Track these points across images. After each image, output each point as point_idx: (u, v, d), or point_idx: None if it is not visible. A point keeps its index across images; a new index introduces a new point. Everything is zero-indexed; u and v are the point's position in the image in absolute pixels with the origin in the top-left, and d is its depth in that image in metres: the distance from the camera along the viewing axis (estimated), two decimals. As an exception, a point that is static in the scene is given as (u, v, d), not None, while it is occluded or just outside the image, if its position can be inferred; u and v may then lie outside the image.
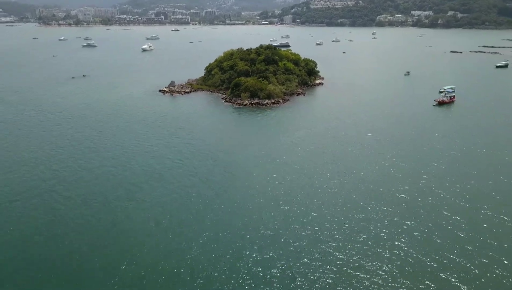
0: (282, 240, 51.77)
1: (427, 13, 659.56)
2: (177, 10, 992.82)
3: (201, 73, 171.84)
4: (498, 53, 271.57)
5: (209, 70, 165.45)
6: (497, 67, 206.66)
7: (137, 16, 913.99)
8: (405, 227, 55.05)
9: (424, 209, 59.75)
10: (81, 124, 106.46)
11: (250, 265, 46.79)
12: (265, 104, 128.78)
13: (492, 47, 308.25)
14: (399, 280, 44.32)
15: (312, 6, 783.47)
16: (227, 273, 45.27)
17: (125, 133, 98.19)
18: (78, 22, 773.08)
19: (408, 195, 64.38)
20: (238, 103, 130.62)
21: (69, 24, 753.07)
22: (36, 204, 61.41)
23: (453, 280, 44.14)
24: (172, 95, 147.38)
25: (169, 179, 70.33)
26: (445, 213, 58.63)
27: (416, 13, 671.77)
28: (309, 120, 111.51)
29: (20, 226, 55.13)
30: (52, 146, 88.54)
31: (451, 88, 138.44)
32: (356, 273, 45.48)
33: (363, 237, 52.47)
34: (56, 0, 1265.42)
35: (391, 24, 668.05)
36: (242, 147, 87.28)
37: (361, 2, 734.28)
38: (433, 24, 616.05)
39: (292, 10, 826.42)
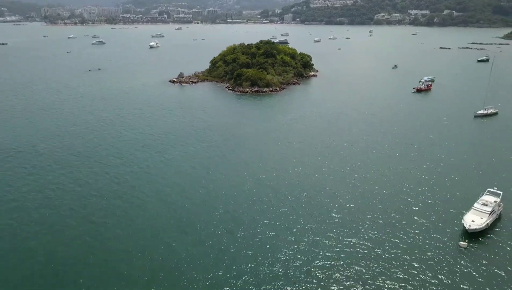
0: (273, 181, 69.51)
1: (423, 11, 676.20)
2: (179, 9, 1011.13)
3: (206, 66, 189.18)
4: (484, 49, 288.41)
5: (213, 63, 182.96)
6: (479, 61, 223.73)
7: (140, 15, 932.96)
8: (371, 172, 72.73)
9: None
10: (103, 106, 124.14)
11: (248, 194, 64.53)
12: (264, 92, 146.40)
13: (480, 44, 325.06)
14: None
15: (311, 5, 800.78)
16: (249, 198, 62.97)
17: (142, 112, 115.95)
18: (83, 21, 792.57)
19: (379, 150, 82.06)
20: (240, 91, 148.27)
21: (75, 23, 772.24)
22: (84, 157, 79.20)
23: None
24: (181, 84, 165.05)
25: (184, 141, 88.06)
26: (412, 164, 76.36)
27: (413, 11, 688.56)
28: (302, 104, 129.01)
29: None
30: (85, 120, 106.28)
31: (429, 78, 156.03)
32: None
33: (350, 186, 70.18)
34: (60, 0, 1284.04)
35: (388, 22, 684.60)
36: (243, 124, 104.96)
37: (359, 1, 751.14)
38: (429, 23, 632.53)
39: (292, 9, 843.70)
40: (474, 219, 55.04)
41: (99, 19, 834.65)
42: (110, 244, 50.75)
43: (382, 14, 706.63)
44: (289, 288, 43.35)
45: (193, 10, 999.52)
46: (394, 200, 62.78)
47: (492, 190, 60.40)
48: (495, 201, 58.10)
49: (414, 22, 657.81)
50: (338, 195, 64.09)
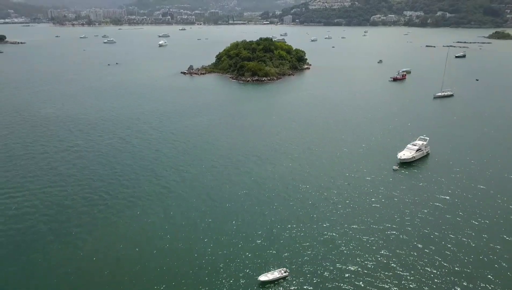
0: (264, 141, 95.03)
1: (418, 13, 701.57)
2: (182, 10, 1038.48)
3: (211, 61, 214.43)
4: (466, 47, 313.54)
5: (219, 57, 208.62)
6: (456, 57, 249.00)
7: (145, 17, 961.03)
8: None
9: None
10: (125, 93, 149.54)
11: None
12: (263, 81, 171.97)
13: (465, 42, 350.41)
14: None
15: (310, 7, 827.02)
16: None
17: (159, 96, 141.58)
18: (90, 22, 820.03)
19: (351, 126, 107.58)
20: (242, 80, 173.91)
21: (82, 24, 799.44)
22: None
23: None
24: (191, 75, 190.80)
25: (200, 113, 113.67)
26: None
27: (408, 13, 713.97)
28: (294, 90, 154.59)
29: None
30: (112, 104, 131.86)
31: (405, 70, 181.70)
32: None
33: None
34: (64, 2, 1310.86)
35: (384, 23, 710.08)
36: (246, 103, 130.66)
37: (356, 3, 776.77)
38: (423, 24, 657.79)
39: (292, 11, 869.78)
40: (405, 154, 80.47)
41: (105, 20, 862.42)
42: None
43: (378, 15, 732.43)
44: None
45: (195, 11, 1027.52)
46: (357, 146, 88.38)
47: (422, 137, 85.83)
48: (422, 143, 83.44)
49: (409, 23, 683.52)
50: (311, 146, 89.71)
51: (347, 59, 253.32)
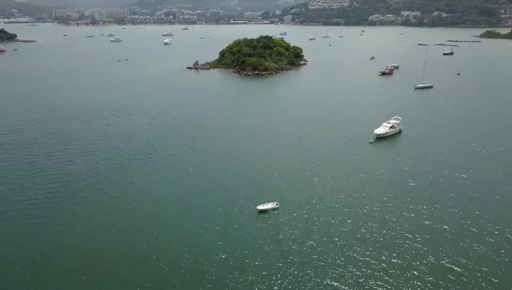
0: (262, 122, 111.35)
1: (415, 13, 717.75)
2: (184, 10, 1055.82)
3: (215, 57, 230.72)
4: (456, 45, 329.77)
5: (222, 53, 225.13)
6: (444, 54, 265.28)
7: (147, 16, 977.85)
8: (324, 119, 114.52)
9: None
10: (139, 85, 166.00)
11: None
12: (263, 74, 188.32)
13: (456, 41, 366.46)
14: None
15: (310, 7, 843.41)
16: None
17: (170, 88, 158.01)
18: (94, 22, 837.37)
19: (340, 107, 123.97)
20: (243, 73, 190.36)
21: (87, 24, 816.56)
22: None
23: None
24: (197, 70, 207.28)
25: (206, 102, 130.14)
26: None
27: (405, 13, 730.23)
28: (291, 83, 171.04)
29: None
30: (130, 94, 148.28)
31: (394, 65, 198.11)
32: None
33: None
34: (66, 1, 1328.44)
35: (382, 23, 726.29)
36: (247, 94, 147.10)
37: (355, 3, 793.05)
38: (419, 23, 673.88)
39: (292, 11, 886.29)
40: (380, 130, 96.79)
41: (109, 20, 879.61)
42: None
43: (376, 15, 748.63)
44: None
45: (197, 11, 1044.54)
46: (342, 124, 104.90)
47: (396, 117, 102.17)
48: (395, 122, 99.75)
49: (406, 22, 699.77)
50: (302, 122, 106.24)
51: (342, 56, 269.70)
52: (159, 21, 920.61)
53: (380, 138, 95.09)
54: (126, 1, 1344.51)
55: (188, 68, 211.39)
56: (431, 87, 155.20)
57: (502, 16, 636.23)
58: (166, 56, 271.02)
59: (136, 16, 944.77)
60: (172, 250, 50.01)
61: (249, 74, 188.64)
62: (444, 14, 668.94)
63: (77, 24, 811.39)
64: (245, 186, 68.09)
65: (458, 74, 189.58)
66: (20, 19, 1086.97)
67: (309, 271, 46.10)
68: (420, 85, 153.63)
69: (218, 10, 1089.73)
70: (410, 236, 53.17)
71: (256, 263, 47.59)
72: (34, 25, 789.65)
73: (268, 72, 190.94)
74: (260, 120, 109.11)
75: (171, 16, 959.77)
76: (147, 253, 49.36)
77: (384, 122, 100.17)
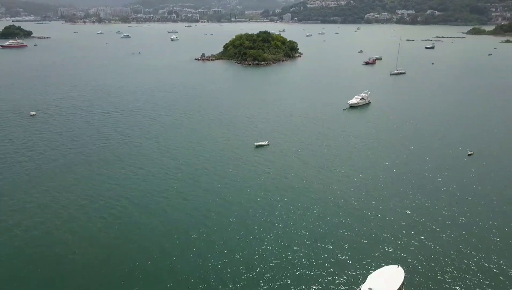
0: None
1: (409, 11, 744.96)
2: (186, 9, 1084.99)
3: (219, 50, 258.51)
4: (441, 41, 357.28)
5: (226, 47, 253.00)
6: (426, 48, 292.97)
7: (151, 15, 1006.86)
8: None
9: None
10: (155, 73, 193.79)
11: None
12: (262, 64, 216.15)
13: (442, 37, 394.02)
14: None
15: (308, 5, 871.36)
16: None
17: (181, 75, 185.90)
18: (100, 20, 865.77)
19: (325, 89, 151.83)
20: (245, 63, 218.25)
21: (93, 22, 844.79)
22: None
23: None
24: (203, 61, 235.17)
25: (213, 84, 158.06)
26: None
27: (400, 11, 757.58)
28: (287, 71, 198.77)
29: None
30: (148, 79, 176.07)
31: (376, 57, 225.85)
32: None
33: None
34: (70, 0, 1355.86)
35: (377, 21, 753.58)
36: (247, 79, 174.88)
37: (352, 1, 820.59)
38: (413, 21, 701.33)
39: (291, 9, 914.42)
40: (352, 100, 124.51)
41: (114, 18, 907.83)
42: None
43: (372, 13, 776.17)
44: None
45: (199, 10, 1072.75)
46: (324, 99, 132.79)
47: (366, 91, 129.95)
48: (365, 95, 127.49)
49: (400, 20, 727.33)
50: (293, 98, 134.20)
51: (334, 50, 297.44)
52: (163, 20, 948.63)
53: (352, 107, 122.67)
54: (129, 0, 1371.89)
55: (196, 59, 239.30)
56: (404, 73, 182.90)
57: (493, 14, 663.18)
58: (174, 50, 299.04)
59: (140, 15, 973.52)
60: (191, 168, 77.81)
61: (250, 64, 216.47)
62: (437, 12, 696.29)
63: (84, 22, 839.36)
64: (246, 130, 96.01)
65: (432, 63, 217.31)
66: (27, 18, 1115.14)
67: (285, 179, 73.94)
68: (395, 72, 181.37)
69: (219, 9, 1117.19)
70: (356, 168, 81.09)
71: (250, 175, 75.51)
72: (42, 23, 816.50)
73: (266, 62, 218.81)
74: (258, 94, 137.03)
75: (174, 15, 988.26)
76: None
77: (356, 95, 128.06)
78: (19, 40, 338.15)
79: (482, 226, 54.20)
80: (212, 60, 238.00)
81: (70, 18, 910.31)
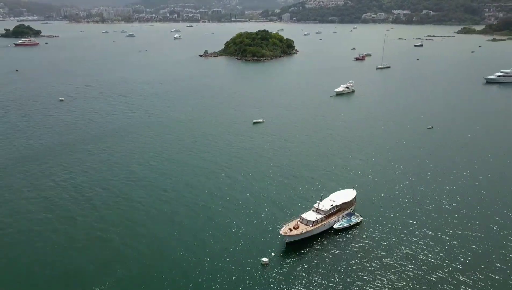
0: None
1: (405, 11, 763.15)
2: (187, 9, 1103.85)
3: (220, 48, 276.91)
4: (431, 39, 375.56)
5: (227, 44, 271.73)
6: (415, 46, 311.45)
7: (153, 15, 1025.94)
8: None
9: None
10: (163, 67, 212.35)
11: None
12: (260, 60, 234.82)
13: (433, 36, 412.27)
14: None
15: (307, 6, 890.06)
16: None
17: (187, 69, 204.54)
18: (103, 20, 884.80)
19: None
20: (245, 59, 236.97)
21: (96, 22, 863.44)
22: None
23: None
24: (206, 57, 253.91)
25: (215, 77, 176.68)
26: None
27: (396, 11, 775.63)
28: (283, 66, 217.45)
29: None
30: (158, 72, 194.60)
31: (366, 53, 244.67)
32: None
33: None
34: (73, 0, 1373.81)
35: (374, 21, 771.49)
36: (247, 72, 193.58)
37: (349, 2, 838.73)
38: (409, 21, 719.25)
39: (290, 9, 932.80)
40: (338, 89, 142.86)
41: (117, 18, 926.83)
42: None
43: (369, 13, 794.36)
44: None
45: (200, 10, 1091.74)
46: (315, 88, 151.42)
47: (350, 80, 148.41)
48: (349, 84, 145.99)
49: (396, 20, 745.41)
50: (285, 88, 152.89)
51: (329, 47, 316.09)
52: (164, 19, 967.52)
53: (339, 94, 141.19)
54: (131, 0, 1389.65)
55: (199, 55, 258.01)
56: (388, 67, 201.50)
57: (486, 14, 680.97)
58: (178, 48, 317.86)
59: (142, 15, 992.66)
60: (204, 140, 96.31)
61: (249, 60, 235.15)
62: (432, 13, 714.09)
63: (88, 22, 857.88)
64: (243, 111, 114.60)
65: (417, 59, 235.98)
66: (30, 18, 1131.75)
67: (274, 144, 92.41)
68: (380, 66, 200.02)
69: (219, 9, 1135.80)
70: (333, 133, 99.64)
71: (248, 142, 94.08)
72: (46, 23, 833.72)
73: (264, 58, 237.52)
74: (255, 84, 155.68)
75: (176, 15, 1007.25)
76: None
77: (342, 84, 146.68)
78: (31, 39, 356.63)
79: (428, 169, 72.85)
80: (214, 56, 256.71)
81: (74, 18, 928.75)
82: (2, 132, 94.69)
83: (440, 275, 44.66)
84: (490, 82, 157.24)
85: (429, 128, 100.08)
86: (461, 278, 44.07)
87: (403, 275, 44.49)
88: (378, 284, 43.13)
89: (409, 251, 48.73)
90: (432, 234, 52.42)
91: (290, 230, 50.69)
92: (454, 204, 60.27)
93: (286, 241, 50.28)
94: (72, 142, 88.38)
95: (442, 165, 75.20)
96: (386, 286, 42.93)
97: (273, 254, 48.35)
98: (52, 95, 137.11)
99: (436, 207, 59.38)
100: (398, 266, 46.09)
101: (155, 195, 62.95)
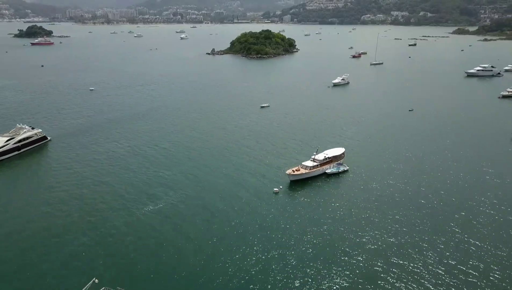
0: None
1: (403, 13, 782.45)
2: (189, 11, 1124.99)
3: (226, 46, 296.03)
4: (425, 39, 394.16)
5: (232, 43, 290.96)
6: (409, 45, 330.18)
7: (157, 16, 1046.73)
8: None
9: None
10: (174, 63, 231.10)
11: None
12: (264, 57, 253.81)
13: (429, 36, 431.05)
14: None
15: (307, 7, 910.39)
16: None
17: (196, 65, 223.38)
18: (108, 21, 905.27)
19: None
20: (249, 57, 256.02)
21: (102, 23, 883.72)
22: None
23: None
24: (213, 55, 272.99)
25: (223, 72, 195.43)
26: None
27: (394, 13, 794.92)
28: (285, 63, 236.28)
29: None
30: (170, 68, 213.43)
31: (363, 51, 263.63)
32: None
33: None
34: (76, 2, 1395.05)
35: (373, 22, 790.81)
36: (252, 68, 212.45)
37: (349, 4, 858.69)
38: (407, 22, 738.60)
39: (291, 11, 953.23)
40: (335, 80, 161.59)
41: (122, 19, 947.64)
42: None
43: (368, 15, 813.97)
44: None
45: (202, 12, 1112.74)
46: (314, 79, 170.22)
47: (346, 74, 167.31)
48: (344, 76, 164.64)
49: (395, 22, 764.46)
50: (288, 80, 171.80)
51: (328, 46, 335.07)
52: (168, 21, 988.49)
53: (335, 85, 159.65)
54: (133, 1, 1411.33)
55: (207, 53, 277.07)
56: (381, 63, 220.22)
57: (482, 16, 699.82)
58: (186, 46, 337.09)
59: (146, 16, 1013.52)
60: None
61: (254, 57, 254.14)
62: (429, 14, 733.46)
63: (94, 23, 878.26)
64: (252, 98, 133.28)
65: (409, 57, 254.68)
66: (36, 19, 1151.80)
67: (276, 121, 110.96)
68: (374, 62, 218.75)
69: (221, 11, 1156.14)
70: (325, 114, 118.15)
71: (255, 119, 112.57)
72: (53, 24, 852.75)
73: (268, 56, 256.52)
74: (260, 77, 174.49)
75: (179, 16, 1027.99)
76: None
77: (338, 76, 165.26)
78: (46, 38, 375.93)
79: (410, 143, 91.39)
80: (221, 54, 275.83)
81: (79, 19, 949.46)
82: (54, 113, 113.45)
83: (407, 204, 63.14)
84: (470, 75, 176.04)
85: (410, 110, 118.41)
86: (424, 211, 62.40)
87: (378, 206, 62.05)
88: (357, 211, 60.69)
89: (384, 193, 66.26)
90: (406, 181, 70.13)
91: (293, 171, 69.26)
92: (424, 159, 79.03)
93: (290, 179, 68.69)
94: (116, 119, 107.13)
95: (417, 135, 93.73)
96: (362, 212, 60.52)
97: (281, 187, 66.63)
98: (83, 86, 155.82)
99: (409, 162, 77.90)
100: (374, 199, 63.99)
101: (194, 139, 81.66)
